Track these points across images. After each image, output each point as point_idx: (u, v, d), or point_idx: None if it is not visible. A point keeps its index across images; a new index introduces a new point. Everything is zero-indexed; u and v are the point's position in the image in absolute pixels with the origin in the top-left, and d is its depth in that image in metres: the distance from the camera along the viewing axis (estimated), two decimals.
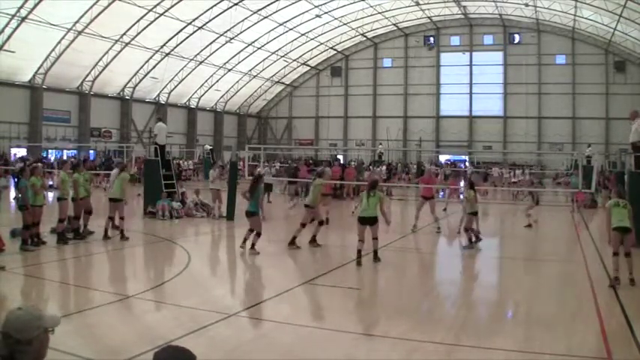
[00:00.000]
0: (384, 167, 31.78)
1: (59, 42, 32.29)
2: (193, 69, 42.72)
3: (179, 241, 12.24)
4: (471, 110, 48.83)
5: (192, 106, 47.97)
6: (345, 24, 45.17)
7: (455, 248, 12.62)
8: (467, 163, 42.55)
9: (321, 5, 39.85)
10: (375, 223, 9.89)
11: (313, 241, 11.64)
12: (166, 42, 37.58)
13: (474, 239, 11.99)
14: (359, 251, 9.82)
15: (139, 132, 42.86)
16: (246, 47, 43.21)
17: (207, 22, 36.97)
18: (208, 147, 42.48)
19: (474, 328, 6.56)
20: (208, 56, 41.82)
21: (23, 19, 28.76)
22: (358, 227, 9.99)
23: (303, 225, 11.70)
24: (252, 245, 10.75)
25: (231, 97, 50.68)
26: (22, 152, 32.68)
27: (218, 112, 51.11)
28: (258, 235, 10.79)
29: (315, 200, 11.86)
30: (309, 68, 53.06)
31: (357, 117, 52.14)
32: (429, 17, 46.84)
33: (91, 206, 12.49)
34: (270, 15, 39.14)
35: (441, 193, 20.66)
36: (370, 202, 9.92)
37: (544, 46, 46.15)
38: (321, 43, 48.43)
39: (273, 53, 46.48)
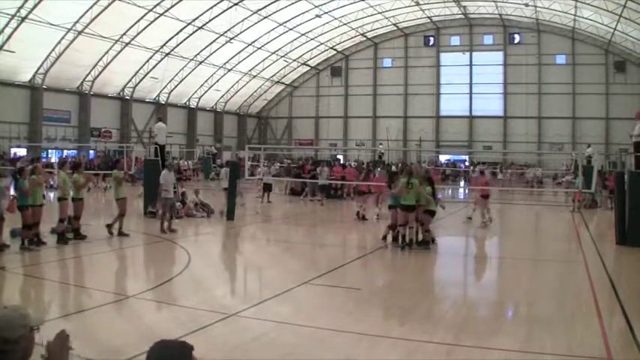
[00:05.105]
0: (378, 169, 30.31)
1: (59, 42, 32.27)
2: (193, 69, 42.71)
3: (179, 241, 12.23)
4: (471, 110, 48.81)
5: (192, 106, 47.93)
6: (345, 24, 45.14)
7: (455, 248, 12.60)
8: (466, 163, 42.64)
9: (321, 5, 39.82)
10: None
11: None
12: (166, 42, 37.58)
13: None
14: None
15: (139, 132, 42.85)
16: (246, 47, 43.19)
17: (207, 22, 36.96)
18: (214, 149, 42.53)
19: (474, 328, 6.55)
20: (208, 56, 41.82)
21: (23, 19, 28.75)
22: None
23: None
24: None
25: (231, 97, 50.66)
26: (21, 152, 32.64)
27: (218, 112, 51.08)
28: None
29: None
30: (309, 68, 53.04)
31: (357, 117, 52.11)
32: (429, 17, 46.83)
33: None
34: (270, 15, 39.14)
35: (439, 195, 20.60)
36: None
37: (544, 46, 46.12)
38: (321, 43, 48.41)
39: (273, 53, 46.46)
